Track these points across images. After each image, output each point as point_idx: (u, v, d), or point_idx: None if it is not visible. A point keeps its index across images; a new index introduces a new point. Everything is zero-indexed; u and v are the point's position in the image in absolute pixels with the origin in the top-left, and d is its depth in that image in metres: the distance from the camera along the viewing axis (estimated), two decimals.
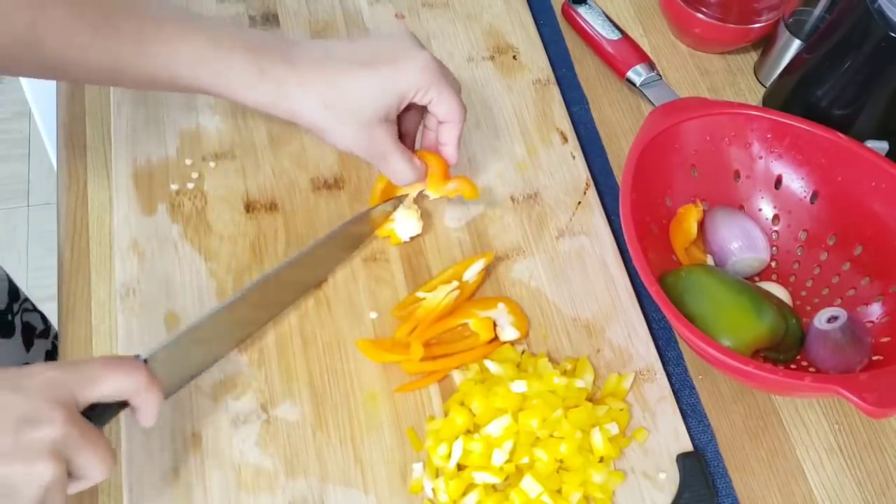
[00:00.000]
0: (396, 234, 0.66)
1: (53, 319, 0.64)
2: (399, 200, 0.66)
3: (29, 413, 0.43)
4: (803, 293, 0.68)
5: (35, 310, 0.85)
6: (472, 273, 0.64)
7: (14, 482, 0.42)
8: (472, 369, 0.61)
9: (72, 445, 0.44)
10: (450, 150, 0.62)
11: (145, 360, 0.51)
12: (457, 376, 0.61)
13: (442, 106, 0.58)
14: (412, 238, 0.67)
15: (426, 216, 0.69)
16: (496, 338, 0.63)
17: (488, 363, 0.60)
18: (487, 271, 0.66)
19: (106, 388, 0.46)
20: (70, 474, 0.45)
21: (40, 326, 0.84)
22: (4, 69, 0.56)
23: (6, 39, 0.53)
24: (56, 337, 0.88)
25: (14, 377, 0.44)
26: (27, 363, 0.79)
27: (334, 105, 0.55)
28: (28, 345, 0.81)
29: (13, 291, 0.82)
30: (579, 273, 0.68)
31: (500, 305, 0.63)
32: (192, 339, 0.55)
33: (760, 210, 0.70)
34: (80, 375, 0.46)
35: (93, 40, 0.54)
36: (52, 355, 0.84)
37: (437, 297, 0.62)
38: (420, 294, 0.63)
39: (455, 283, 0.63)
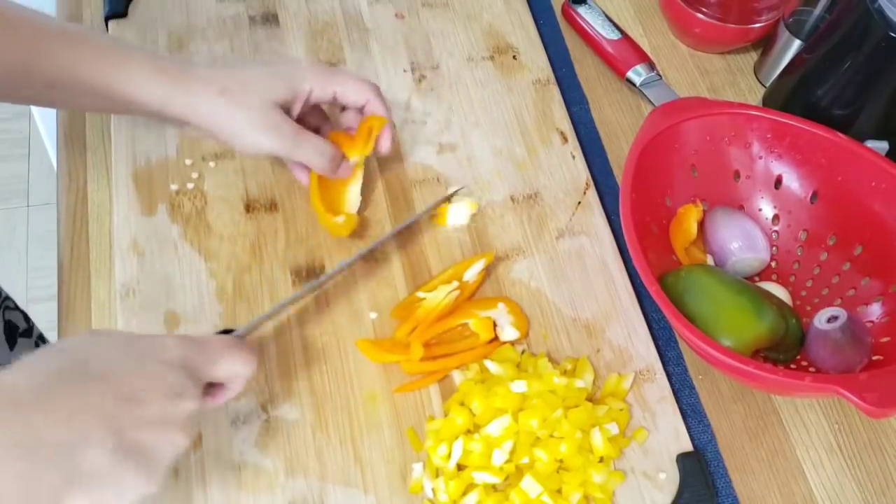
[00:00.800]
0: (445, 219, 0.69)
1: (53, 319, 0.64)
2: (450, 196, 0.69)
3: (175, 386, 0.46)
4: (803, 293, 0.68)
5: (17, 308, 0.85)
6: (472, 273, 0.64)
7: (158, 449, 0.45)
8: (472, 369, 0.61)
9: (196, 420, 0.48)
10: (384, 135, 0.65)
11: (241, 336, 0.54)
12: (457, 376, 0.61)
13: (349, 94, 0.62)
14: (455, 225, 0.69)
15: (426, 214, 0.69)
16: (496, 338, 0.63)
17: (488, 363, 0.60)
18: (487, 271, 0.66)
19: (223, 370, 0.50)
20: None
21: (23, 325, 0.84)
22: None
23: None
24: (41, 337, 0.88)
25: (158, 349, 0.47)
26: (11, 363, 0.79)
27: (229, 90, 0.58)
28: (11, 343, 0.81)
29: None
30: (579, 273, 0.68)
31: (500, 305, 0.63)
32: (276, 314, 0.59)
33: (760, 210, 0.70)
34: (206, 356, 0.49)
35: (31, 63, 0.55)
36: None
37: (437, 297, 0.62)
38: (420, 294, 0.63)
39: (455, 284, 0.63)
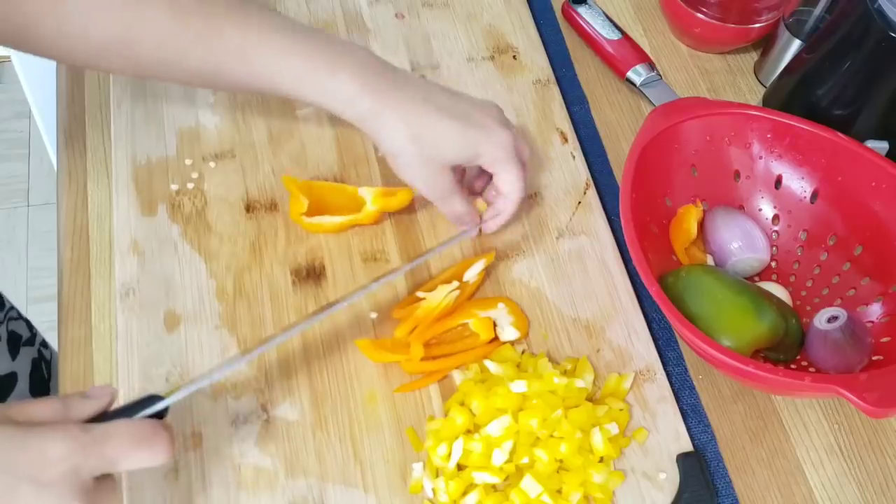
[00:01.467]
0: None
1: (54, 319, 0.64)
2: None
3: (69, 486, 0.42)
4: (803, 293, 0.68)
5: (20, 317, 0.85)
6: (472, 273, 0.64)
7: None
8: (472, 369, 0.61)
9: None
10: (497, 220, 0.65)
11: (164, 410, 0.48)
12: (457, 376, 0.61)
13: (506, 183, 0.62)
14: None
15: (425, 214, 0.69)
16: (496, 338, 0.63)
17: (488, 363, 0.60)
18: (487, 271, 0.66)
19: (127, 466, 0.44)
20: None
21: (26, 334, 0.84)
22: (94, 66, 0.57)
23: (102, 38, 0.54)
24: (43, 344, 0.88)
25: (34, 465, 0.41)
26: (13, 372, 0.79)
27: (419, 142, 0.58)
28: (14, 353, 0.81)
29: None
30: (579, 273, 0.68)
31: (500, 305, 0.63)
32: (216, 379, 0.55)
33: (760, 210, 0.70)
34: (104, 459, 0.43)
35: (194, 45, 0.55)
36: (37, 363, 0.84)
37: (437, 297, 0.62)
38: (420, 294, 0.63)
39: (455, 284, 0.63)
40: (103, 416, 0.46)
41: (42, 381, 0.85)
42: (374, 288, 0.60)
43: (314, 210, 0.66)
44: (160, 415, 0.47)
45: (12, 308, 0.83)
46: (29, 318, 0.87)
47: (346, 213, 0.67)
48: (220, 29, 0.55)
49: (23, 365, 0.82)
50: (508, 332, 0.63)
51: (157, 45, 0.55)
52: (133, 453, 0.44)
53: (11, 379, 0.80)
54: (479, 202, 0.68)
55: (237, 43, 0.55)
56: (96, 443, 0.43)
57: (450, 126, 0.58)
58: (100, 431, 0.43)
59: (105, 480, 0.44)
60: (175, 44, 0.55)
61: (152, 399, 0.47)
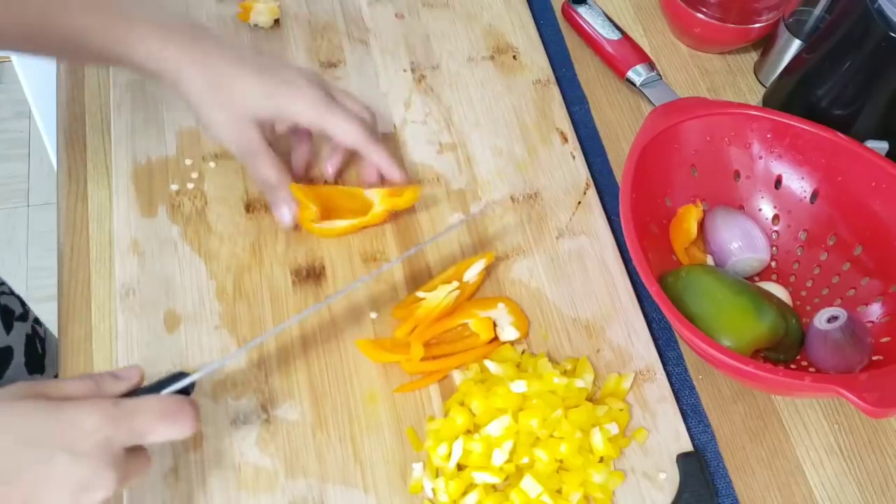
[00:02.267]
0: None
1: (52, 319, 0.64)
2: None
3: (86, 479, 0.43)
4: (803, 293, 0.68)
5: (12, 293, 0.85)
6: (472, 273, 0.64)
7: None
8: (472, 369, 0.61)
9: (120, 489, 0.46)
10: (386, 168, 0.65)
11: (191, 386, 0.50)
12: (457, 376, 0.61)
13: (336, 134, 0.61)
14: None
15: (425, 214, 0.69)
16: (496, 338, 0.63)
17: (488, 363, 0.60)
18: (487, 271, 0.66)
19: (155, 439, 0.46)
20: None
21: (19, 310, 0.85)
22: None
23: None
24: (36, 321, 0.88)
25: (68, 436, 0.43)
26: (9, 346, 0.79)
27: (217, 90, 0.58)
28: (7, 328, 0.81)
29: None
30: (579, 273, 0.68)
31: (500, 305, 0.63)
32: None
33: (760, 210, 0.70)
34: (133, 431, 0.45)
35: (4, 8, 0.55)
36: (31, 340, 0.84)
37: (438, 297, 0.62)
38: (420, 294, 0.63)
39: (455, 284, 0.63)
40: (132, 394, 0.48)
41: (37, 357, 0.85)
42: (373, 276, 0.61)
43: (323, 215, 0.66)
44: (186, 391, 0.50)
45: (3, 283, 0.84)
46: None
47: (354, 215, 0.67)
48: None
49: (17, 340, 0.82)
50: (508, 332, 0.63)
51: None
52: (160, 426, 0.46)
53: (7, 353, 0.80)
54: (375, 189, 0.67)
55: (40, 8, 0.55)
56: (126, 416, 0.45)
57: (250, 77, 0.58)
58: (130, 405, 0.45)
59: (136, 451, 0.47)
60: None
61: (179, 376, 0.50)
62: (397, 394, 0.61)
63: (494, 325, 0.63)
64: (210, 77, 0.58)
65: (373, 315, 0.64)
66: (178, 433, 0.47)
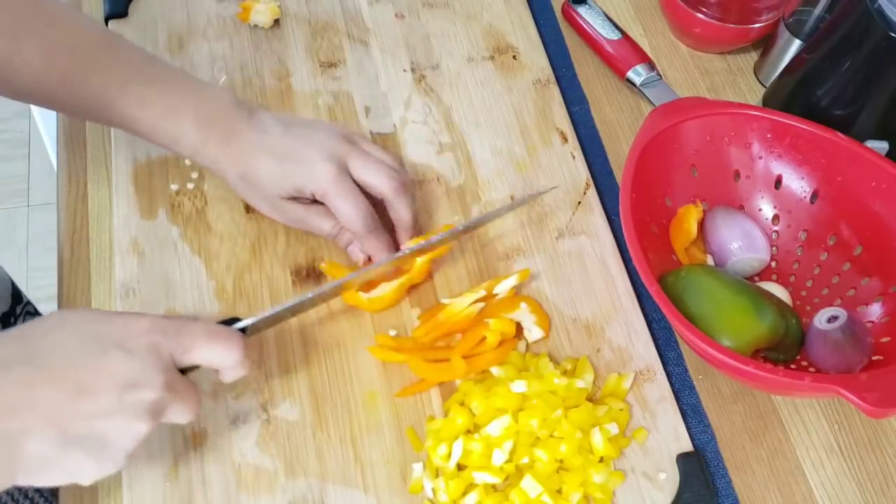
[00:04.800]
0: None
1: None
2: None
3: (134, 376, 0.46)
4: (803, 293, 0.68)
5: (37, 313, 0.85)
6: (504, 287, 0.63)
7: (112, 437, 0.46)
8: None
9: (166, 404, 0.48)
10: (353, 250, 0.65)
11: (244, 330, 0.54)
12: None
13: (339, 216, 0.62)
14: None
15: (425, 215, 0.69)
16: (503, 341, 0.62)
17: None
18: (487, 271, 0.66)
19: (200, 358, 0.50)
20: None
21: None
22: None
23: None
24: (27, 312, 0.88)
25: (121, 335, 0.47)
26: None
27: (247, 180, 0.62)
28: None
29: (16, 295, 0.82)
30: (579, 273, 0.68)
31: (523, 305, 0.63)
32: (292, 311, 0.59)
33: (760, 210, 0.70)
34: (180, 343, 0.49)
35: (61, 85, 0.59)
36: None
37: (462, 303, 0.62)
38: (444, 301, 0.63)
39: (482, 292, 0.62)
40: None
41: None
42: (384, 262, 0.62)
43: (363, 287, 0.63)
44: None
45: (29, 303, 0.84)
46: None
47: (395, 276, 0.64)
48: (84, 75, 0.59)
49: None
50: (535, 333, 0.63)
51: (30, 79, 0.58)
52: (206, 345, 0.50)
53: None
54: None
55: (98, 90, 0.59)
56: (175, 327, 0.49)
57: (269, 164, 0.61)
58: (179, 320, 0.50)
59: (185, 380, 0.50)
60: (46, 80, 0.58)
61: (232, 320, 0.54)
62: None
63: (518, 327, 0.63)
64: (241, 170, 0.62)
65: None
66: (221, 357, 0.51)
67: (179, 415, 0.49)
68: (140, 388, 0.46)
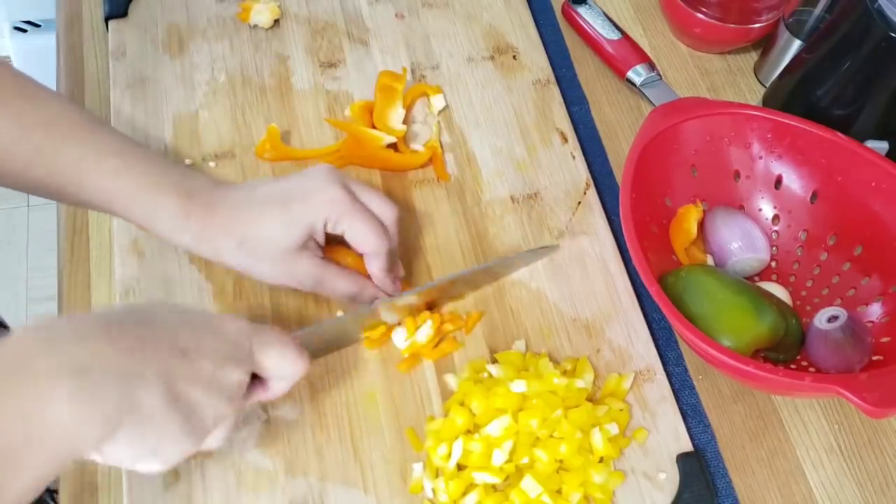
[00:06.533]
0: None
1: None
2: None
3: (228, 354, 0.48)
4: (803, 293, 0.68)
5: (3, 325, 0.84)
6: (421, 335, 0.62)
7: (203, 410, 0.47)
8: (468, 370, 0.61)
9: (241, 394, 0.50)
10: (377, 282, 0.61)
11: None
12: (451, 380, 0.61)
13: (355, 240, 0.59)
14: None
15: (425, 215, 0.69)
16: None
17: (489, 367, 0.60)
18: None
19: (270, 361, 0.51)
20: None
21: None
22: None
23: None
24: None
25: (214, 321, 0.50)
26: None
27: (247, 243, 0.57)
28: None
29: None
30: (579, 273, 0.68)
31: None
32: (338, 329, 0.59)
33: (760, 210, 0.70)
34: (258, 341, 0.50)
35: (35, 160, 0.56)
36: None
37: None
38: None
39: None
40: None
41: None
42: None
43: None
44: None
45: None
46: (28, 318, 0.87)
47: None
48: (61, 148, 0.56)
49: None
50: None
51: (2, 154, 0.55)
52: (279, 347, 0.51)
53: None
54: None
55: (74, 163, 0.56)
56: (253, 327, 0.51)
57: (268, 213, 0.57)
58: (254, 325, 0.51)
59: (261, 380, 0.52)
60: (18, 155, 0.55)
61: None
62: (397, 394, 0.61)
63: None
64: (239, 234, 0.57)
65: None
66: (291, 361, 0.52)
67: (225, 423, 0.50)
68: (231, 366, 0.48)
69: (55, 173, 0.56)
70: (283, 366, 0.52)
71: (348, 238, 0.59)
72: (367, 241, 0.59)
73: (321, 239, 0.59)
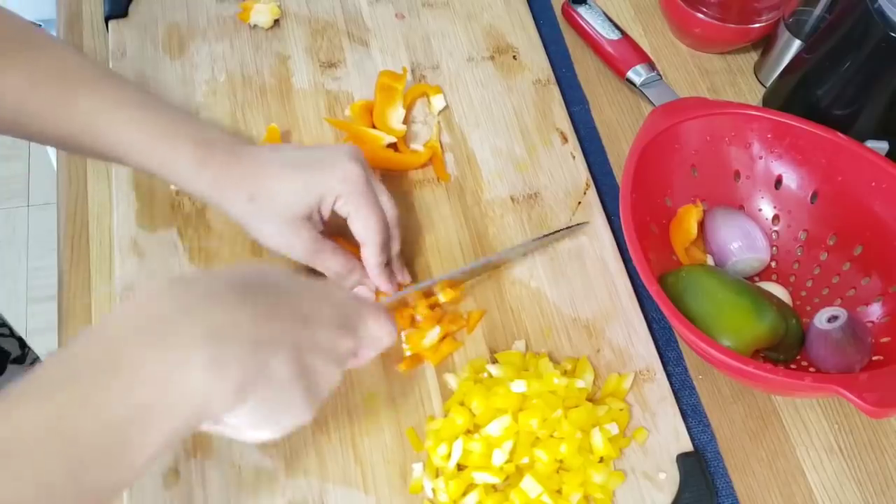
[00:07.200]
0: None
1: (53, 319, 0.64)
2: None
3: (342, 322, 0.48)
4: (803, 293, 0.68)
5: (12, 335, 0.84)
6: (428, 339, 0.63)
7: (321, 377, 0.46)
8: (468, 370, 0.61)
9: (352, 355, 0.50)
10: (369, 272, 0.61)
11: None
12: (451, 380, 0.61)
13: (357, 223, 0.59)
14: None
15: (425, 215, 0.69)
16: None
17: (489, 366, 0.60)
18: (487, 272, 0.66)
19: (369, 329, 0.50)
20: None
21: (16, 352, 0.83)
22: None
23: None
24: (37, 360, 0.87)
25: (325, 288, 0.50)
26: None
27: (258, 199, 0.57)
28: (0, 369, 0.80)
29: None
30: (579, 273, 0.68)
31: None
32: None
33: (760, 210, 0.70)
34: (359, 310, 0.50)
35: (50, 112, 0.56)
36: None
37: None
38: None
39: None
40: None
41: None
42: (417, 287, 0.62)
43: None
44: None
45: (3, 325, 0.83)
46: (28, 318, 0.87)
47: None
48: (74, 99, 0.56)
49: (8, 383, 0.81)
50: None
51: (14, 107, 0.55)
52: (378, 316, 0.50)
53: None
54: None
55: (87, 113, 0.56)
56: (353, 296, 0.51)
57: (287, 174, 0.57)
58: (353, 294, 0.52)
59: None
60: (31, 108, 0.55)
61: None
62: (397, 394, 0.61)
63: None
64: (252, 191, 0.57)
65: None
66: (387, 331, 0.51)
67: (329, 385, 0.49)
68: (343, 335, 0.48)
69: (69, 123, 0.56)
70: (377, 335, 0.51)
71: (352, 220, 0.59)
72: (368, 227, 0.59)
73: (326, 213, 0.60)
